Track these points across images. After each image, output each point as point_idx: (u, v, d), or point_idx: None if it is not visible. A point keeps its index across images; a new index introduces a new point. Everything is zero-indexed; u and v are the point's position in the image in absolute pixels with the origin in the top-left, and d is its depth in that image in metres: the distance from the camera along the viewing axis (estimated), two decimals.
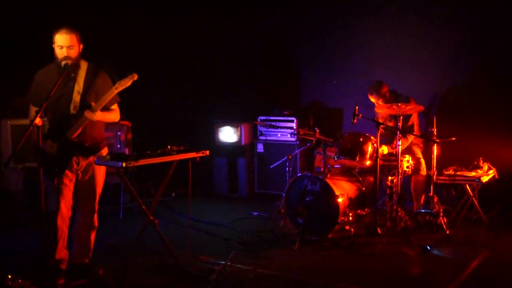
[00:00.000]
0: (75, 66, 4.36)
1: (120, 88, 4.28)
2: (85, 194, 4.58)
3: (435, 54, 6.88)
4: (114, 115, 4.57)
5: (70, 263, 4.63)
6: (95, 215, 4.65)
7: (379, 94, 6.15)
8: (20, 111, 6.37)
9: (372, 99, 6.23)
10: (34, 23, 6.75)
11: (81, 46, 4.39)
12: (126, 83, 4.26)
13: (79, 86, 4.39)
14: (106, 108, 4.43)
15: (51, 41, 4.34)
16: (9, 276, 4.20)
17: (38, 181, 3.95)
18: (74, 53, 4.31)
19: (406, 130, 6.02)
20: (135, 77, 4.27)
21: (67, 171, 4.42)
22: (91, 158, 4.50)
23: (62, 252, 4.52)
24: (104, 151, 4.62)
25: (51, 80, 4.27)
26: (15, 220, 6.20)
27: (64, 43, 4.28)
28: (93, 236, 4.68)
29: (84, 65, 4.45)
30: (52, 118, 4.36)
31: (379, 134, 5.53)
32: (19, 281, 4.19)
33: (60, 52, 4.30)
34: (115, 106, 4.58)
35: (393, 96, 6.20)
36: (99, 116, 4.33)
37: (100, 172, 4.61)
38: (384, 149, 5.98)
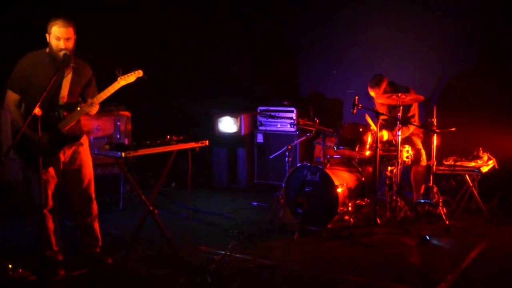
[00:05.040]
0: (71, 57, 4.35)
1: (123, 83, 4.28)
2: (76, 183, 4.57)
3: (435, 44, 6.86)
4: (96, 107, 4.52)
5: (81, 253, 4.69)
6: (93, 203, 4.64)
7: (381, 88, 6.11)
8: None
9: (372, 93, 6.20)
10: (31, 13, 6.72)
11: (75, 37, 4.37)
12: (131, 79, 4.28)
13: (68, 77, 4.36)
14: None
15: (45, 31, 4.31)
16: (10, 266, 4.21)
17: (37, 172, 3.94)
18: (70, 45, 4.29)
19: (406, 120, 6.01)
20: (141, 73, 4.30)
21: (54, 162, 4.41)
22: (75, 147, 4.50)
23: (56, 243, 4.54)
24: (84, 139, 4.60)
25: (40, 68, 4.26)
26: (15, 209, 6.21)
27: (62, 35, 4.25)
28: (95, 224, 4.69)
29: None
30: (42, 109, 4.23)
31: (379, 124, 5.53)
32: (20, 271, 4.21)
33: (56, 44, 4.26)
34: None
35: (392, 87, 6.18)
36: (95, 110, 4.35)
37: (87, 159, 4.58)
38: (384, 134, 5.96)
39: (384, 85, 6.12)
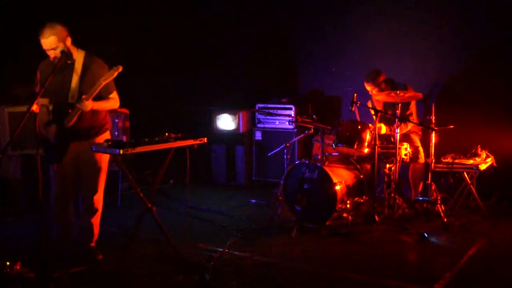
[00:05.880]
0: (69, 54, 4.41)
1: (108, 80, 4.33)
2: (86, 177, 4.65)
3: (434, 42, 6.86)
4: (111, 103, 4.63)
5: (76, 246, 4.77)
6: (95, 198, 4.67)
7: (375, 83, 6.15)
8: (18, 98, 6.35)
9: (368, 88, 6.23)
10: (32, 10, 6.71)
11: (68, 39, 4.42)
12: (112, 74, 4.32)
13: (76, 75, 4.44)
14: (102, 97, 4.49)
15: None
16: (8, 263, 4.21)
17: (36, 168, 3.97)
18: (58, 52, 4.36)
19: (405, 118, 6.01)
20: (120, 68, 4.33)
21: (67, 156, 4.51)
22: (92, 141, 4.57)
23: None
24: (105, 136, 4.68)
25: (47, 73, 4.34)
26: (13, 207, 6.20)
27: (46, 47, 4.36)
28: (93, 220, 4.73)
29: (80, 55, 4.50)
30: (53, 107, 4.46)
31: (377, 121, 5.52)
32: (18, 267, 4.21)
33: (48, 54, 4.40)
34: (113, 95, 4.64)
35: (390, 85, 6.18)
36: (92, 105, 4.38)
37: (102, 156, 4.63)
38: (382, 127, 5.96)
39: (380, 80, 6.14)
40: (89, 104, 4.35)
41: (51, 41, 4.31)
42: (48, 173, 4.70)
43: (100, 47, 6.93)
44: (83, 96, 4.34)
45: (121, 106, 6.80)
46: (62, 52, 4.29)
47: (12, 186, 6.31)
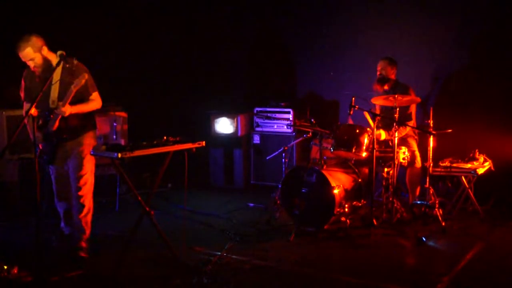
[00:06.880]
0: (49, 67, 4.51)
1: (78, 87, 4.40)
2: (72, 174, 4.73)
3: (433, 45, 6.87)
4: (92, 105, 4.70)
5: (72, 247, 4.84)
6: (80, 194, 4.72)
7: (387, 64, 6.21)
8: (15, 102, 6.34)
9: (378, 66, 6.28)
10: (26, 13, 6.72)
11: (44, 48, 4.50)
12: (80, 82, 4.40)
13: (54, 81, 4.52)
14: (82, 100, 4.58)
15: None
16: (5, 267, 4.20)
17: (34, 172, 3.98)
18: (38, 61, 4.48)
19: (404, 120, 6.00)
20: (86, 76, 4.43)
21: (57, 158, 4.65)
22: (73, 142, 4.68)
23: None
24: (91, 134, 4.78)
25: (32, 78, 4.52)
26: (11, 210, 6.20)
27: (24, 59, 4.46)
28: (82, 216, 4.77)
29: (57, 59, 4.52)
30: (39, 113, 4.52)
31: (375, 125, 5.53)
32: (15, 271, 4.20)
33: (28, 65, 4.51)
34: (94, 96, 4.70)
35: (392, 83, 6.19)
36: (70, 110, 4.47)
37: (87, 154, 4.69)
38: (382, 134, 5.96)
39: (392, 67, 6.24)
40: (67, 110, 4.44)
41: (28, 53, 4.41)
42: (48, 175, 4.84)
43: (101, 51, 6.98)
44: (59, 103, 4.43)
45: (119, 109, 6.85)
46: (61, 55, 4.35)
47: (10, 189, 6.30)
